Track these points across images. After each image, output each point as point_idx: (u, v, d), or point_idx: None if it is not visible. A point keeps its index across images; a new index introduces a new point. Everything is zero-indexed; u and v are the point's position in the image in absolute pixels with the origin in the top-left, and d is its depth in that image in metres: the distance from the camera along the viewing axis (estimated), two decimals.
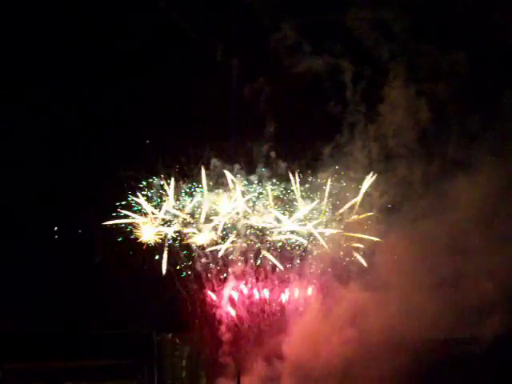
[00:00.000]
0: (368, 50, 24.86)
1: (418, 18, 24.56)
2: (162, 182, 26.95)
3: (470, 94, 24.58)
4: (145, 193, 26.98)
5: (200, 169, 26.92)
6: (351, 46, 25.09)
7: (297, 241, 27.41)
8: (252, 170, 27.10)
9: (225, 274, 27.49)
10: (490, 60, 24.76)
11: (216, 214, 27.15)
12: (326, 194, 27.23)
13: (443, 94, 24.84)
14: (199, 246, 27.18)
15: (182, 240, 27.15)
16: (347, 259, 27.48)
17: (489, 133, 24.68)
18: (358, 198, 27.18)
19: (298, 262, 27.60)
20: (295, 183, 27.22)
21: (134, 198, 26.77)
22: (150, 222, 26.84)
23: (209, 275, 27.36)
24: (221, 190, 27.07)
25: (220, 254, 27.04)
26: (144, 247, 26.60)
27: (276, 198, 27.33)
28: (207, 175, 26.92)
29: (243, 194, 27.15)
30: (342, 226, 27.42)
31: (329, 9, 24.45)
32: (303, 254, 27.59)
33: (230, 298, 27.48)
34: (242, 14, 24.77)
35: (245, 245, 27.22)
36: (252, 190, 27.24)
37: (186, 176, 27.01)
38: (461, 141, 25.02)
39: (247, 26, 24.93)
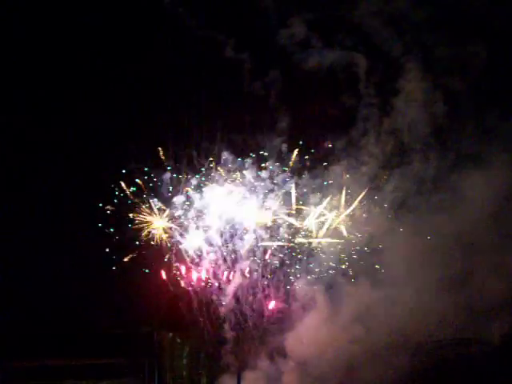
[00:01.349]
0: (382, 42, 24.80)
1: (434, 8, 24.40)
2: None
3: (486, 87, 24.38)
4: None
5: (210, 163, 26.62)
6: (365, 39, 25.02)
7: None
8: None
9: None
10: (507, 53, 24.59)
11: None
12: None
13: (458, 87, 24.65)
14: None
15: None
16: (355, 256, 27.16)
17: (504, 128, 24.48)
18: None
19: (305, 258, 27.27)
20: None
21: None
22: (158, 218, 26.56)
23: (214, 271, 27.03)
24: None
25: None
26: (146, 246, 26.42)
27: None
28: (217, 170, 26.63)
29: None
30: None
31: (341, 1, 24.45)
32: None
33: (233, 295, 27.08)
34: (254, 8, 24.59)
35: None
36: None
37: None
38: (475, 135, 24.83)
39: (258, 20, 24.79)
